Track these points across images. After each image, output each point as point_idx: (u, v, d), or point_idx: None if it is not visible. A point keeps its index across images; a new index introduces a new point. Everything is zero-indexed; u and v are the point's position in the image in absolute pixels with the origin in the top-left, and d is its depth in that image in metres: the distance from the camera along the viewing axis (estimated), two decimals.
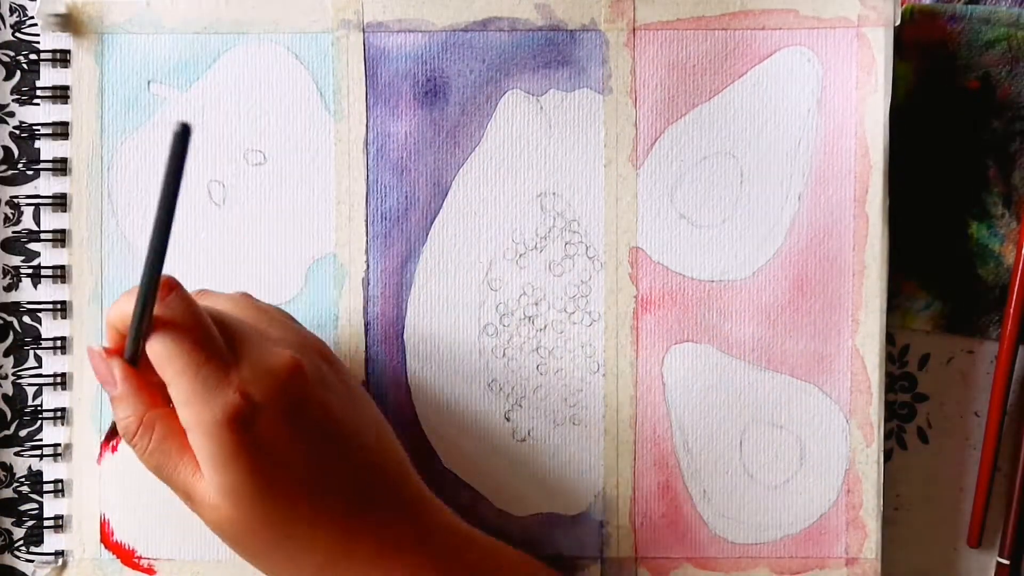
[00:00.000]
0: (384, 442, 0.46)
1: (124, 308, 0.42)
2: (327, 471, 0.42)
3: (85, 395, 0.52)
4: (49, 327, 0.53)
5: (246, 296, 0.48)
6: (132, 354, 0.43)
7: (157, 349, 0.41)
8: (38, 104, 0.53)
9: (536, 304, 0.53)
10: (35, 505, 0.53)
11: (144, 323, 0.41)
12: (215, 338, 0.41)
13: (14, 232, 0.54)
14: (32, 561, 0.53)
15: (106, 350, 0.43)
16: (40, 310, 0.53)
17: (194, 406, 0.40)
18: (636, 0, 0.52)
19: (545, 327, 0.53)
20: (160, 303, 0.41)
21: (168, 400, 0.42)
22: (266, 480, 0.41)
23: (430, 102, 0.52)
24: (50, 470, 0.53)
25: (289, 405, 0.42)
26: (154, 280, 0.40)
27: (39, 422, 0.53)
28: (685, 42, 0.52)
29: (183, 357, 0.41)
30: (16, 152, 0.54)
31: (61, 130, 0.53)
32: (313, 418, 0.42)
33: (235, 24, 0.52)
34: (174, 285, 0.42)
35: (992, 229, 0.53)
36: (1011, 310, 0.52)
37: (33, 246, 0.53)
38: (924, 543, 0.54)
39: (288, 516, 0.42)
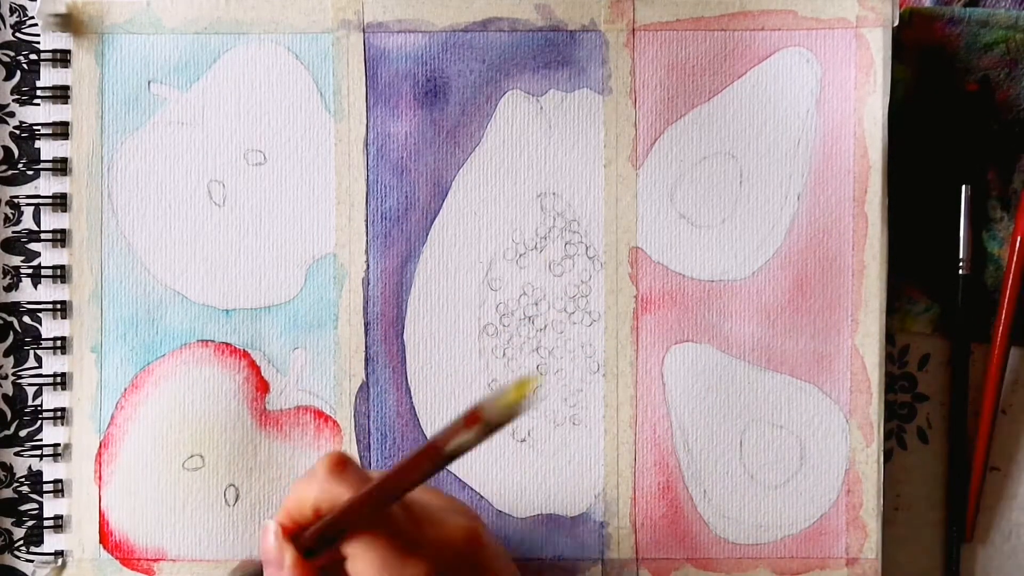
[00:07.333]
0: None
1: (303, 496, 0.42)
2: None
3: (85, 395, 0.52)
4: (49, 327, 0.53)
5: None
6: (310, 550, 0.42)
7: (351, 552, 0.41)
8: (38, 104, 0.53)
9: (536, 304, 0.53)
10: (35, 505, 0.53)
11: (340, 533, 0.41)
12: (405, 531, 0.41)
13: (14, 232, 0.53)
14: (32, 561, 0.53)
15: (283, 528, 0.42)
16: (40, 310, 0.53)
17: None
18: (636, 0, 0.52)
19: (545, 327, 0.53)
20: (355, 509, 0.40)
21: None
22: None
23: (430, 102, 0.53)
24: (50, 470, 0.52)
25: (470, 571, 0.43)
26: (376, 504, 0.39)
27: (39, 422, 0.53)
28: (685, 43, 0.52)
29: (377, 559, 0.40)
30: (16, 152, 0.54)
31: (61, 130, 0.53)
32: None
33: (235, 24, 0.53)
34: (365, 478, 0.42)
35: (991, 232, 0.53)
36: (1003, 311, 0.52)
37: (33, 246, 0.53)
38: (924, 543, 0.54)
39: None
